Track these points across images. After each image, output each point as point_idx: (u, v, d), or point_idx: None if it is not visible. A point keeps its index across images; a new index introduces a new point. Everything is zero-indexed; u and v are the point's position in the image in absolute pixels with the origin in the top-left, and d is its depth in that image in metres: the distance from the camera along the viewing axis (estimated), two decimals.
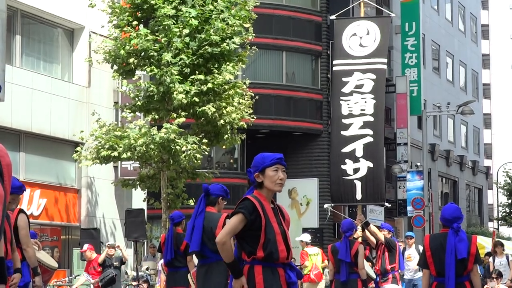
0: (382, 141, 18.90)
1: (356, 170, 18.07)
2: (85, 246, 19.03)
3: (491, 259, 21.03)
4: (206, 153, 22.21)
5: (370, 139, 18.11)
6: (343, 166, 18.11)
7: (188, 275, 10.26)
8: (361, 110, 18.19)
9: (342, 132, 18.20)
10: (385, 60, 18.85)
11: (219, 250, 5.89)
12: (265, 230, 5.89)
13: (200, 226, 8.70)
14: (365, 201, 18.54)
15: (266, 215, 5.92)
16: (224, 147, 24.88)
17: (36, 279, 9.14)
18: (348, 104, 18.22)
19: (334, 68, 18.75)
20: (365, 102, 18.19)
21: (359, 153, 18.07)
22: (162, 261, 13.18)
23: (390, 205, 22.81)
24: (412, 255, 19.18)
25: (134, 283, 20.55)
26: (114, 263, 19.34)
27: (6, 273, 4.24)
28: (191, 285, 10.03)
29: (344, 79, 18.30)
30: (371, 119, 18.14)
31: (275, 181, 5.92)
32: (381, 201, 18.80)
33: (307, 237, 20.36)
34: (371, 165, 18.04)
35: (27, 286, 9.14)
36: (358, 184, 18.02)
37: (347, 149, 18.10)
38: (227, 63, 21.58)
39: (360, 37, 18.42)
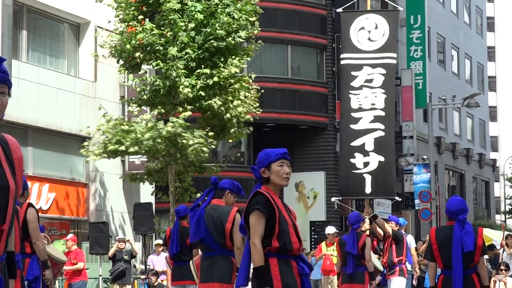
0: (393, 135, 18.84)
1: (366, 164, 18.01)
2: (70, 236, 18.56)
3: (500, 250, 20.86)
4: (213, 146, 22.23)
5: (381, 133, 18.05)
6: (352, 160, 18.05)
7: (190, 262, 10.21)
8: (372, 104, 18.13)
9: (352, 126, 18.14)
10: (395, 55, 18.79)
11: (252, 253, 5.86)
12: (279, 221, 5.93)
13: (202, 217, 8.79)
14: (374, 195, 18.48)
15: (278, 207, 5.97)
16: (230, 140, 24.85)
17: (47, 272, 9.16)
18: (357, 98, 18.18)
19: (342, 62, 18.67)
20: (376, 96, 18.14)
21: (369, 147, 18.01)
22: (167, 254, 13.15)
23: (400, 199, 22.75)
24: None
25: (143, 276, 20.59)
26: (124, 257, 19.40)
27: (16, 268, 4.24)
28: (193, 274, 9.97)
29: (353, 73, 18.24)
30: (382, 113, 18.09)
31: (281, 176, 6.00)
32: (392, 195, 18.74)
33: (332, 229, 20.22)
34: (382, 159, 17.98)
35: (37, 279, 9.16)
36: (368, 178, 17.96)
37: (356, 142, 18.04)
38: (233, 57, 21.59)
39: (368, 31, 18.35)
